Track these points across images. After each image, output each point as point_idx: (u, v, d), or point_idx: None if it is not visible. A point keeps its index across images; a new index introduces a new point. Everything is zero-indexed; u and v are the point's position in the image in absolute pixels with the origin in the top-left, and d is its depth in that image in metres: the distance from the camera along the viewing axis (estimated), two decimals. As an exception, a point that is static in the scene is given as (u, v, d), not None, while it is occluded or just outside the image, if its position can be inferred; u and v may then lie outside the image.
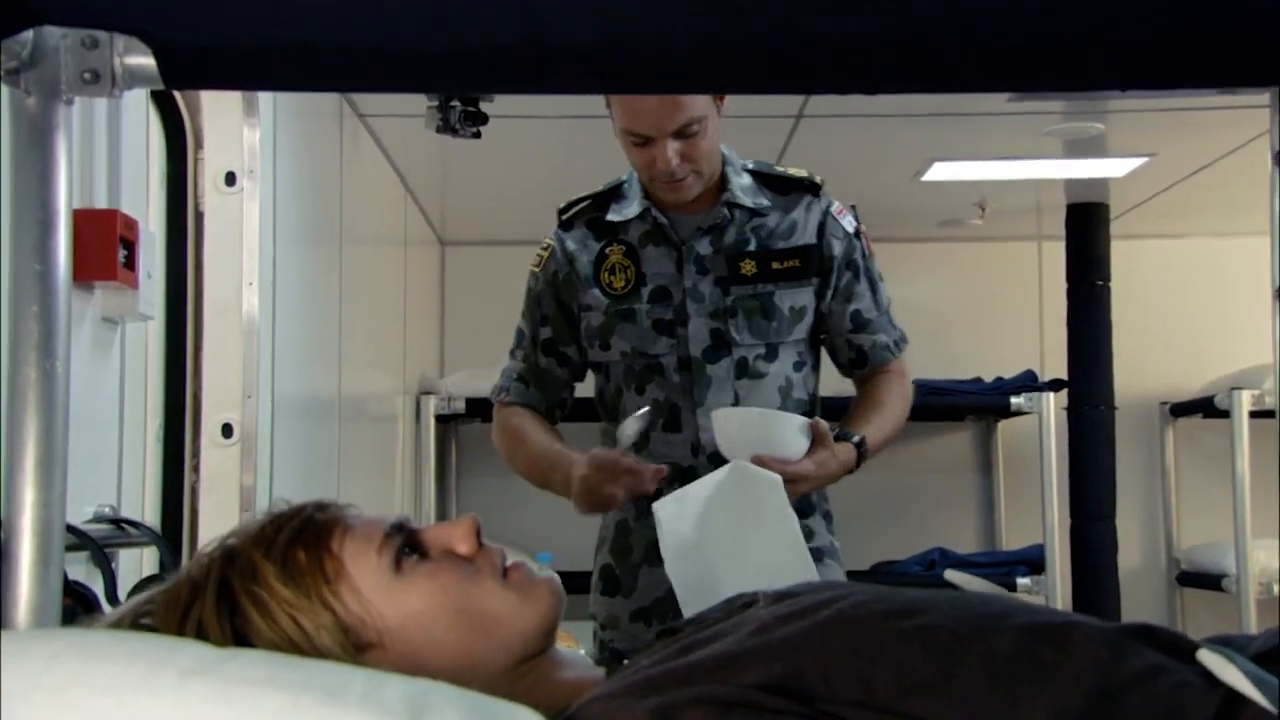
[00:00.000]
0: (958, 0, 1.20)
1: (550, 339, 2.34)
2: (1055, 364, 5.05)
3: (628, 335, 2.26)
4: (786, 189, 2.31)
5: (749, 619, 1.01)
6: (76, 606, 1.50)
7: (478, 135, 3.36)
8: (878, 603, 0.99)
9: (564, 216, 2.38)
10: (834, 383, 2.43)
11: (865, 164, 4.25)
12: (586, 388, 2.41)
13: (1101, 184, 4.68)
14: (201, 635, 1.00)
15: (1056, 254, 5.02)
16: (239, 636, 1.01)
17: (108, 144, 2.07)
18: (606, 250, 2.30)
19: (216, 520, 2.49)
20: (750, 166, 2.32)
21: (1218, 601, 5.07)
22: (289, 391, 2.89)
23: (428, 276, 5.26)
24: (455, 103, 3.29)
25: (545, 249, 2.36)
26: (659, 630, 1.13)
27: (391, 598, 1.05)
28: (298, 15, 1.21)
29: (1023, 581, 4.78)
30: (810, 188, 2.31)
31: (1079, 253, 4.93)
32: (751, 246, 2.26)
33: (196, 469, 2.56)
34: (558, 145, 4.01)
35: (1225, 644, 0.96)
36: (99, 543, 1.79)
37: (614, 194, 2.34)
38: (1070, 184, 4.72)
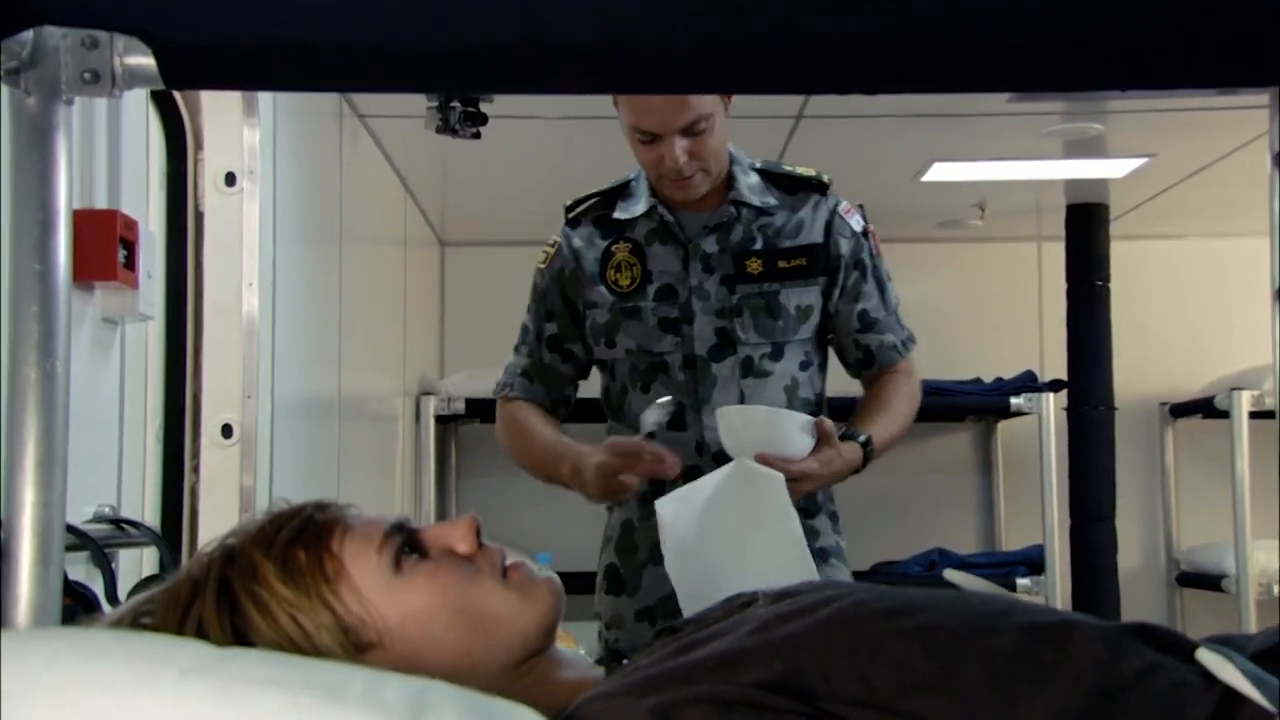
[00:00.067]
0: (958, 0, 1.20)
1: (555, 335, 2.34)
2: (1055, 364, 5.05)
3: (633, 333, 2.26)
4: (794, 188, 2.30)
5: (748, 618, 1.01)
6: (76, 606, 1.50)
7: (477, 136, 3.36)
8: (878, 601, 0.99)
9: (571, 214, 2.37)
10: (841, 383, 2.43)
11: (865, 164, 4.25)
12: (589, 389, 2.41)
13: (1101, 185, 4.68)
14: (201, 634, 1.00)
15: (1056, 254, 5.02)
16: (239, 636, 1.02)
17: (108, 144, 2.07)
18: (613, 248, 2.30)
19: (216, 521, 2.49)
20: (758, 165, 2.32)
21: (1217, 602, 5.07)
22: (289, 392, 2.89)
23: (427, 277, 5.26)
24: (455, 103, 3.29)
25: (552, 245, 2.36)
26: (658, 630, 1.13)
27: (391, 597, 1.05)
28: (298, 15, 1.21)
29: (1022, 582, 4.77)
30: (818, 187, 2.30)
31: (1079, 253, 4.93)
32: (758, 245, 2.25)
33: (196, 469, 2.56)
34: (557, 146, 4.01)
35: (1224, 643, 0.96)
36: (99, 543, 1.79)
37: (621, 191, 2.34)
38: (1070, 184, 4.73)
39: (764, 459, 1.99)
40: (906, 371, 2.33)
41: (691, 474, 2.11)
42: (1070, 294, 4.93)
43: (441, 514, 4.96)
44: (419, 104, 3.31)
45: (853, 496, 2.55)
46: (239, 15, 1.21)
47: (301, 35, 1.24)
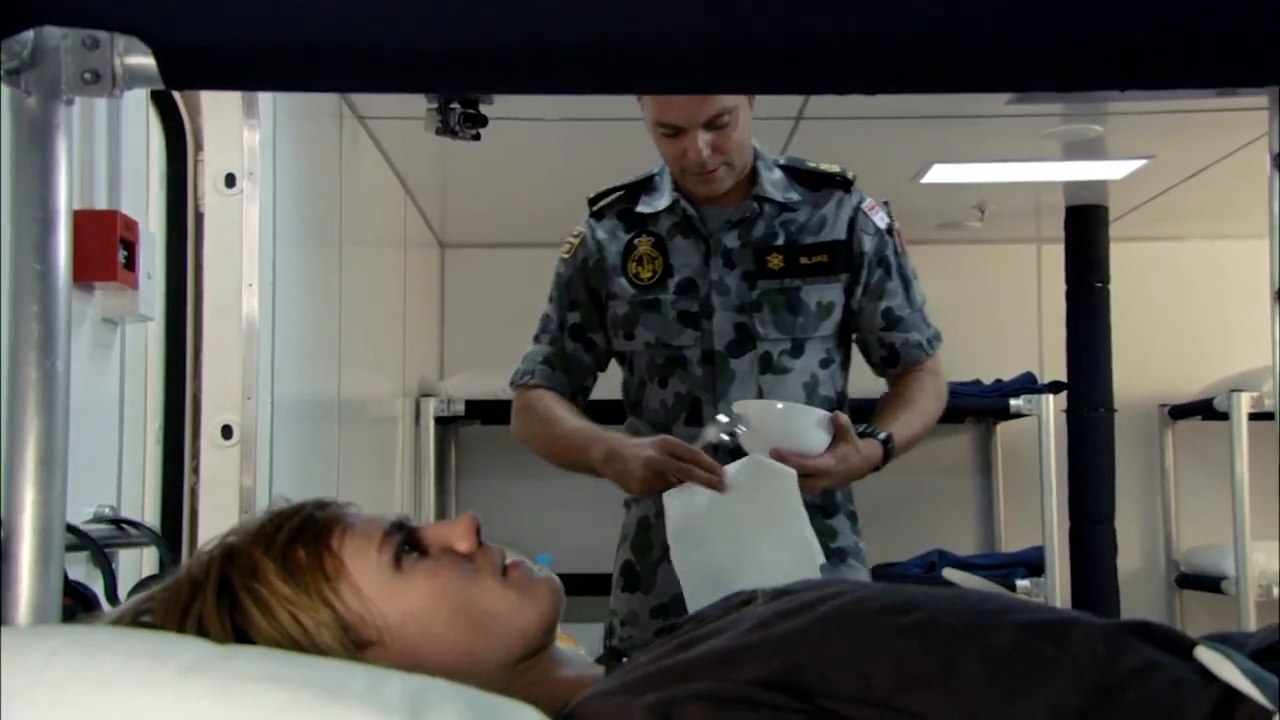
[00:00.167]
0: (958, 0, 1.20)
1: (578, 324, 2.34)
2: (1054, 366, 5.05)
3: (652, 326, 2.26)
4: (818, 184, 2.30)
5: (747, 615, 1.01)
6: (76, 606, 1.50)
7: (477, 137, 3.36)
8: (876, 599, 0.99)
9: (595, 207, 2.37)
10: (864, 383, 2.42)
11: (864, 166, 4.20)
12: (605, 390, 2.40)
13: (1100, 186, 4.68)
14: (202, 632, 1.01)
15: (1055, 256, 5.02)
16: (239, 633, 1.02)
17: (108, 144, 2.07)
18: (635, 241, 2.31)
19: (216, 521, 2.48)
20: (782, 161, 2.33)
21: (1217, 604, 5.07)
22: (289, 393, 2.89)
23: (427, 279, 5.26)
24: (455, 105, 3.29)
25: (576, 236, 2.37)
26: (657, 628, 1.14)
27: (391, 595, 1.05)
28: (298, 15, 1.21)
29: (1022, 584, 4.77)
30: (842, 183, 2.30)
31: (1078, 255, 4.92)
32: (780, 241, 2.25)
33: (196, 470, 2.56)
34: (557, 148, 4.01)
35: (1223, 641, 0.96)
36: (99, 543, 1.79)
37: (645, 185, 2.35)
38: (1069, 186, 4.73)
39: (779, 454, 1.98)
40: (932, 370, 2.32)
41: None
42: (1070, 295, 4.93)
43: (441, 515, 4.96)
44: (419, 105, 3.31)
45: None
46: (239, 15, 1.21)
47: (301, 35, 1.24)
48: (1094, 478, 4.87)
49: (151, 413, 2.42)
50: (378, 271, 4.29)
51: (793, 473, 1.96)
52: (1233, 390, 4.82)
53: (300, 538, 1.06)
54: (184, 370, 2.60)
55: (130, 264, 2.01)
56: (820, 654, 0.93)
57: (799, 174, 2.31)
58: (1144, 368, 5.29)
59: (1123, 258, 4.98)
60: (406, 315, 4.71)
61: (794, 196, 2.28)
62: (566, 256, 2.36)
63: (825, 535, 2.19)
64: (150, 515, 2.39)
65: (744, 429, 2.02)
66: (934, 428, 2.31)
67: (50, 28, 1.22)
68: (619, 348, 2.33)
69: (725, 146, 2.16)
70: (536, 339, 2.38)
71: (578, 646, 2.68)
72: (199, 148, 2.62)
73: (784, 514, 1.95)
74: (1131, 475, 5.25)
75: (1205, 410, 5.08)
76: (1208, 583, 5.05)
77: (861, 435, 2.10)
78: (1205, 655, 0.92)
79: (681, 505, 2.00)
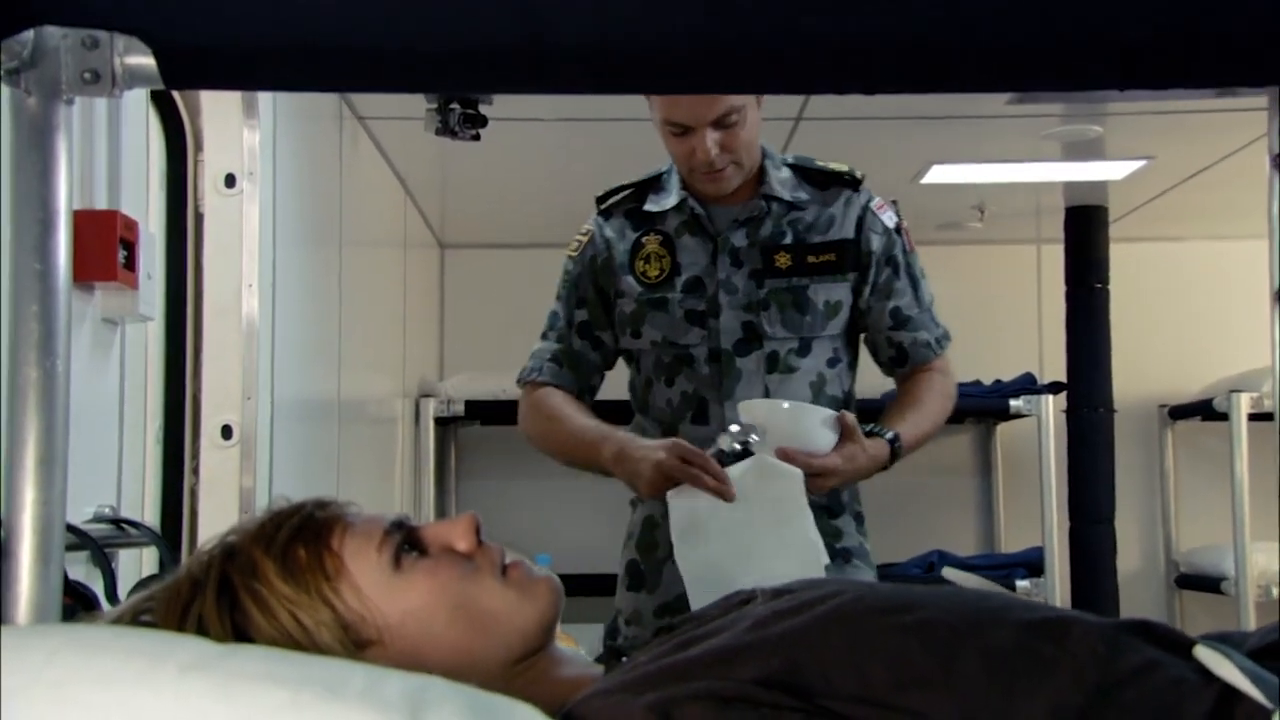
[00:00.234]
0: (957, 0, 1.20)
1: (586, 322, 2.34)
2: (1054, 367, 5.05)
3: (659, 324, 2.26)
4: (826, 183, 2.30)
5: (746, 614, 1.01)
6: (76, 605, 1.50)
7: (477, 138, 3.36)
8: (875, 598, 0.99)
9: (603, 205, 2.37)
10: (864, 383, 2.41)
11: (864, 166, 4.19)
12: (610, 390, 2.40)
13: (1100, 187, 4.68)
14: (202, 631, 1.01)
15: (1055, 257, 5.02)
16: (239, 633, 1.02)
17: (108, 144, 2.07)
18: (643, 239, 2.31)
19: (216, 522, 2.48)
20: (790, 160, 2.33)
21: (1217, 604, 5.07)
22: (288, 393, 2.89)
23: (427, 279, 5.26)
24: (454, 105, 3.29)
25: (584, 234, 2.36)
26: (657, 627, 1.14)
27: (391, 595, 1.05)
28: (298, 15, 1.21)
29: (1022, 584, 4.77)
30: (850, 182, 2.30)
31: (1078, 255, 4.92)
32: (787, 239, 2.25)
33: (196, 470, 2.56)
34: (557, 148, 4.01)
35: (1222, 640, 0.96)
36: (99, 542, 1.79)
37: (653, 184, 2.34)
38: (1069, 187, 4.73)
39: (786, 453, 1.97)
40: (941, 369, 2.31)
41: None
42: (1069, 296, 4.93)
43: (441, 516, 4.96)
44: (419, 106, 3.32)
45: (852, 498, 2.54)
46: (239, 15, 1.21)
47: (301, 35, 1.24)
48: (1094, 478, 4.87)
49: (151, 413, 2.42)
50: (377, 272, 4.29)
51: (799, 473, 1.95)
52: (1232, 391, 4.82)
53: (300, 537, 1.07)
54: (184, 370, 2.60)
55: (130, 264, 2.01)
56: (820, 653, 0.93)
57: (807, 173, 2.31)
58: (1144, 368, 5.29)
59: (1123, 258, 4.98)
60: (406, 315, 4.71)
61: (802, 195, 2.28)
62: (574, 254, 2.36)
63: (830, 535, 2.19)
64: (150, 515, 2.39)
65: (756, 437, 2.01)
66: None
67: (50, 28, 1.22)
68: (626, 346, 2.33)
69: (733, 145, 2.16)
70: (544, 336, 2.38)
71: (578, 646, 2.68)
72: (199, 148, 2.62)
73: (789, 515, 1.95)
74: (1131, 476, 5.25)
75: (1205, 411, 5.08)
76: (1207, 583, 5.06)
77: (869, 435, 2.09)
78: (1204, 654, 0.92)
79: (686, 505, 1.99)
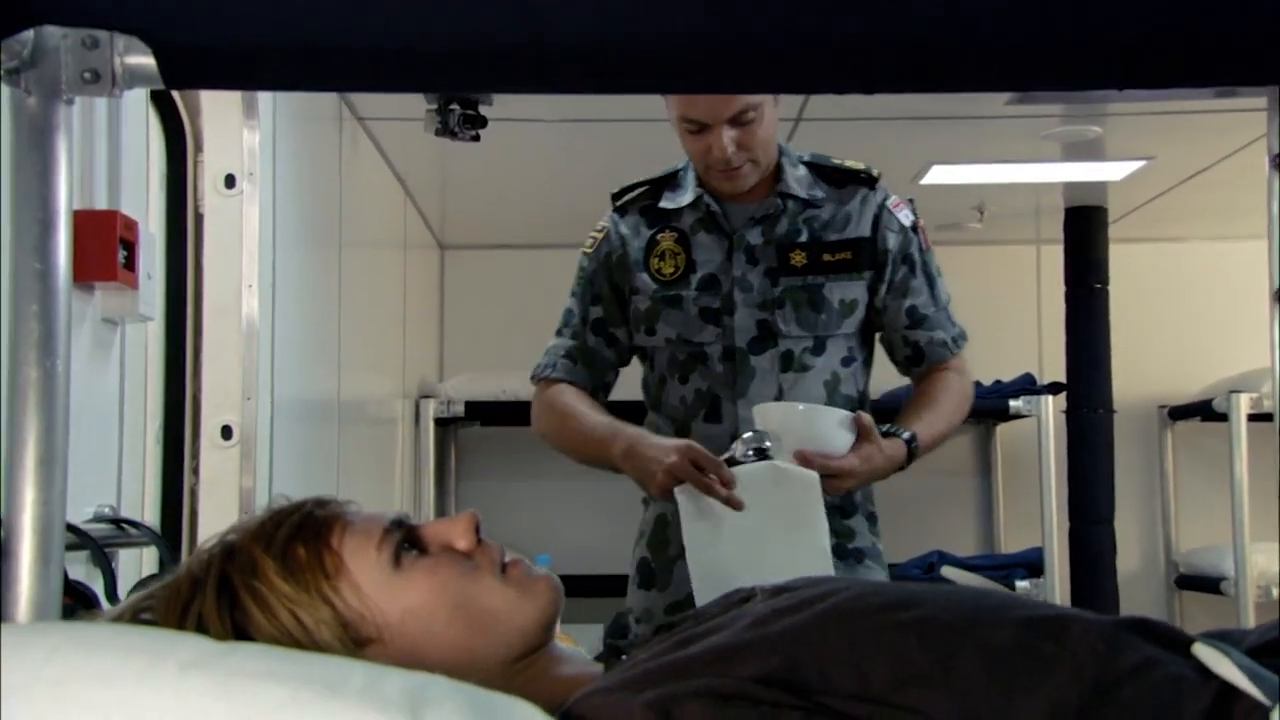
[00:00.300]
0: (957, 0, 1.20)
1: (601, 319, 2.34)
2: (1054, 367, 5.05)
3: (673, 321, 2.26)
4: (842, 181, 2.30)
5: (746, 612, 1.02)
6: (76, 605, 1.50)
7: (477, 139, 3.36)
8: (874, 596, 0.99)
9: (618, 202, 2.37)
10: (877, 383, 2.41)
11: (864, 167, 4.24)
12: (623, 391, 2.40)
13: (1100, 187, 4.68)
14: (202, 630, 1.01)
15: (1055, 257, 5.02)
16: (239, 631, 1.02)
17: (108, 144, 2.07)
18: (658, 236, 2.30)
19: (216, 522, 2.47)
20: (806, 158, 2.32)
21: (1216, 605, 5.07)
22: (288, 394, 2.89)
23: (427, 280, 5.26)
24: (454, 106, 3.29)
25: (599, 231, 2.36)
26: (656, 625, 1.14)
27: (391, 593, 1.05)
28: (298, 15, 1.21)
29: (1021, 585, 4.77)
30: (867, 180, 2.30)
31: (1077, 256, 4.92)
32: (803, 237, 2.24)
33: (196, 471, 2.56)
34: (557, 149, 4.01)
35: (1221, 638, 0.96)
36: (99, 542, 1.79)
37: (669, 181, 2.34)
38: (1068, 187, 4.73)
39: (803, 456, 1.97)
40: (957, 369, 2.30)
41: None
42: (1069, 297, 4.93)
43: (441, 516, 4.96)
44: (418, 106, 3.32)
45: (852, 498, 2.54)
46: (239, 15, 1.21)
47: (301, 35, 1.24)
48: (1093, 479, 4.87)
49: (151, 413, 2.42)
50: (377, 272, 4.29)
51: (816, 478, 1.94)
52: (1232, 391, 4.82)
53: (300, 535, 1.07)
54: (184, 370, 2.60)
55: (130, 264, 2.01)
56: (819, 651, 0.93)
57: (823, 171, 2.31)
58: (1143, 369, 5.29)
59: (1122, 259, 4.98)
60: (406, 316, 4.71)
61: (818, 193, 2.28)
62: (590, 250, 2.36)
63: (843, 535, 2.19)
64: (150, 515, 2.39)
65: (771, 444, 2.00)
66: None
67: (50, 27, 1.23)
68: (640, 343, 2.32)
69: (750, 143, 2.16)
70: (558, 333, 2.37)
71: (578, 646, 2.68)
72: (199, 148, 2.62)
73: (800, 521, 1.94)
74: (1131, 476, 5.25)
75: (1204, 411, 5.08)
76: (1207, 584, 5.05)
77: (884, 435, 2.09)
78: (1203, 652, 0.92)
79: (695, 502, 1.99)
